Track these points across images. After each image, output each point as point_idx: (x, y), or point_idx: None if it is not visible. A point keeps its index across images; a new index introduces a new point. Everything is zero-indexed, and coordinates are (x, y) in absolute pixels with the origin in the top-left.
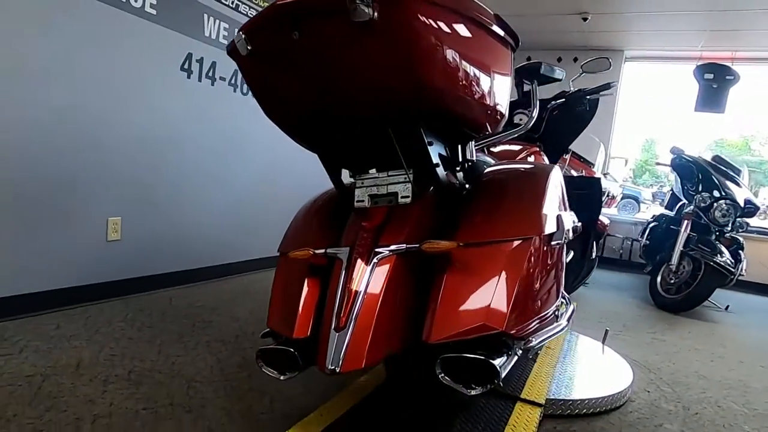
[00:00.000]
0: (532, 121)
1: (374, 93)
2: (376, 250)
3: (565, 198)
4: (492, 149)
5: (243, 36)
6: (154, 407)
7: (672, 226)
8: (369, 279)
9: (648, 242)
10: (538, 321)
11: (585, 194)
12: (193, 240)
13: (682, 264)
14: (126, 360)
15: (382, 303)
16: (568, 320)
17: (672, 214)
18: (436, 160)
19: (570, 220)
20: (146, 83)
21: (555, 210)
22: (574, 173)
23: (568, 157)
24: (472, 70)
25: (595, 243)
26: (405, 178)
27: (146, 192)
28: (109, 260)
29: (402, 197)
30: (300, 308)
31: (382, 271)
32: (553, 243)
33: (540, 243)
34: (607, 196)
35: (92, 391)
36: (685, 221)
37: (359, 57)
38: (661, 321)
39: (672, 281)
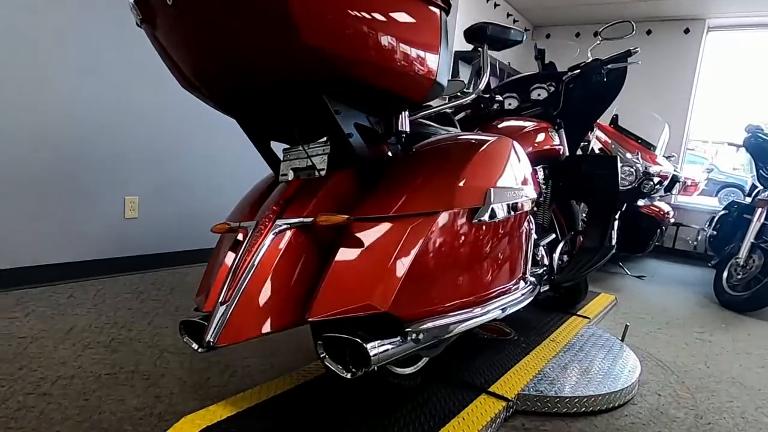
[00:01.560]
0: (479, 90)
1: (259, 58)
2: (277, 223)
3: (521, 172)
4: (497, 125)
5: (132, 4)
6: (117, 373)
7: (745, 215)
8: (263, 252)
9: (715, 233)
10: (454, 305)
11: (599, 175)
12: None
13: (752, 257)
14: (115, 328)
15: (274, 277)
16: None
17: (747, 202)
18: (348, 130)
19: (520, 195)
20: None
21: (484, 183)
22: (629, 156)
23: (592, 134)
24: (377, 31)
25: (614, 229)
26: (323, 150)
27: (164, 173)
28: (127, 237)
29: (319, 170)
30: (212, 282)
31: (278, 245)
32: (478, 219)
33: (452, 219)
34: (678, 182)
35: (68, 355)
36: (759, 209)
37: (234, 19)
38: (718, 320)
39: (739, 277)
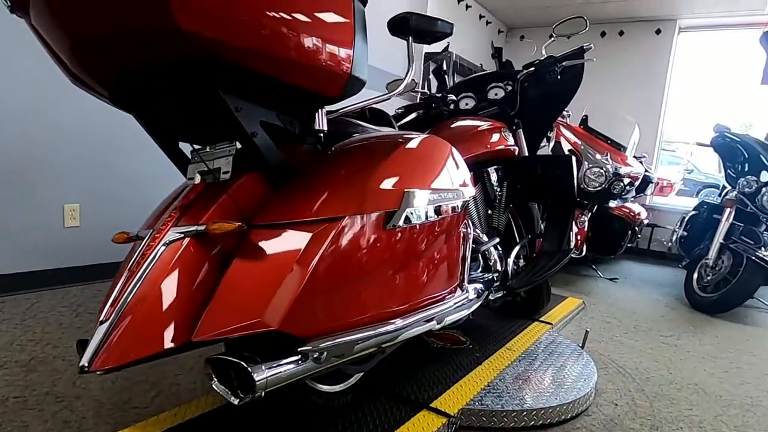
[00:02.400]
0: (404, 84)
1: (133, 43)
2: (170, 232)
3: (450, 173)
4: (447, 125)
5: None
6: (27, 396)
7: (715, 215)
8: (151, 265)
9: (686, 233)
10: (365, 319)
11: (554, 176)
12: None
13: (720, 258)
14: (39, 346)
15: (163, 292)
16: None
17: (716, 202)
18: (252, 129)
19: (448, 197)
20: None
21: (400, 185)
22: (599, 156)
23: (552, 135)
24: (275, 19)
25: (572, 231)
26: (229, 152)
27: (107, 176)
28: (68, 246)
29: (223, 173)
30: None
31: (170, 256)
32: (393, 224)
33: (360, 224)
34: (651, 183)
35: None
36: (727, 209)
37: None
38: (686, 323)
39: (709, 278)
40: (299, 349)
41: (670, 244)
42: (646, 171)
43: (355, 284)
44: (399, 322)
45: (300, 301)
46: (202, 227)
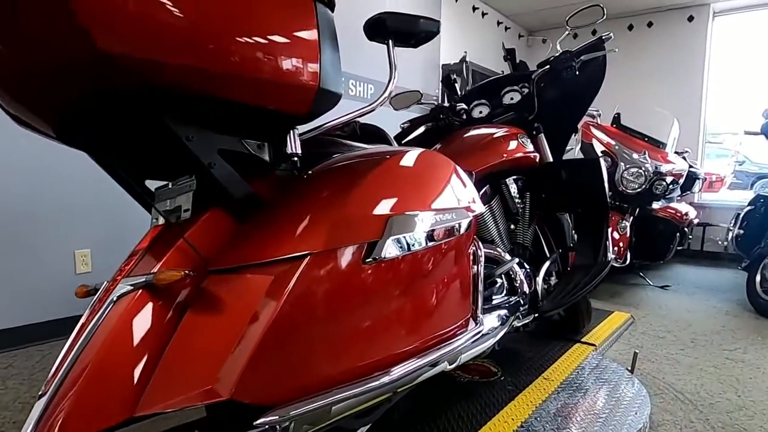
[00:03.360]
0: (385, 95)
1: (57, 71)
2: (120, 284)
3: (448, 190)
4: (457, 137)
5: None
6: None
7: None
8: (97, 325)
9: (742, 231)
10: (347, 374)
11: (582, 182)
12: None
13: None
14: None
15: (106, 359)
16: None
17: None
18: (208, 159)
19: (447, 219)
20: None
21: (382, 211)
22: (636, 156)
23: (577, 137)
24: (214, 32)
25: (608, 241)
26: (189, 186)
27: (116, 220)
28: None
29: (183, 211)
30: None
31: (117, 314)
32: (374, 258)
33: (333, 261)
34: (698, 179)
35: None
36: None
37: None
38: (752, 333)
39: None
40: (255, 422)
41: (725, 243)
42: (690, 167)
43: (328, 333)
44: (395, 372)
45: (256, 362)
46: (151, 277)
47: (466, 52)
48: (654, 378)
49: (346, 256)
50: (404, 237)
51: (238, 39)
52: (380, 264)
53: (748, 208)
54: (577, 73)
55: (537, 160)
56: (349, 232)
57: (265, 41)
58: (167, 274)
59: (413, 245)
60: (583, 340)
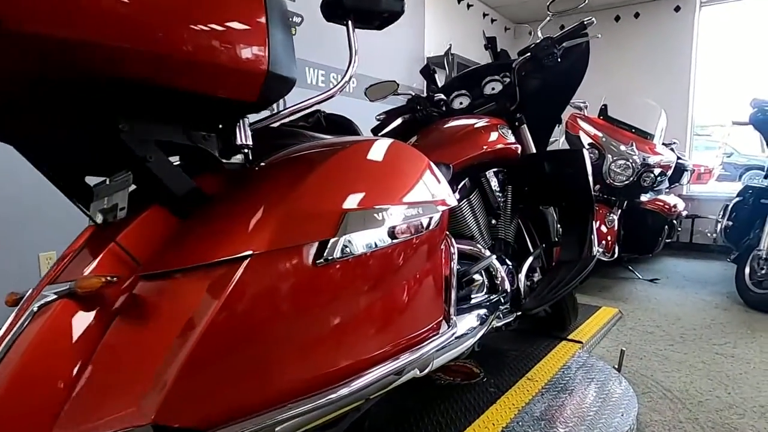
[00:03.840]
0: (343, 81)
1: None
2: (43, 293)
3: (412, 181)
4: (433, 128)
5: None
6: None
7: (763, 200)
8: (12, 339)
9: (731, 222)
10: (294, 389)
11: (566, 173)
12: None
13: None
14: None
15: (20, 378)
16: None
17: (763, 185)
18: (143, 152)
19: (412, 213)
20: None
21: (337, 205)
22: (623, 148)
23: (560, 128)
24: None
25: (593, 235)
26: (125, 183)
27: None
28: None
29: (120, 209)
30: None
31: (37, 326)
32: (325, 258)
33: (275, 263)
34: (686, 171)
35: None
36: None
37: None
38: (742, 326)
39: (763, 271)
40: None
41: (714, 235)
42: (678, 158)
43: (273, 344)
44: (356, 383)
45: (185, 381)
46: (74, 284)
47: (450, 44)
48: (642, 376)
49: (293, 257)
50: (362, 234)
51: (173, 18)
52: (334, 265)
53: (737, 199)
54: (560, 60)
55: (519, 151)
56: (298, 230)
57: (206, 21)
58: (88, 281)
59: (373, 243)
60: (569, 337)
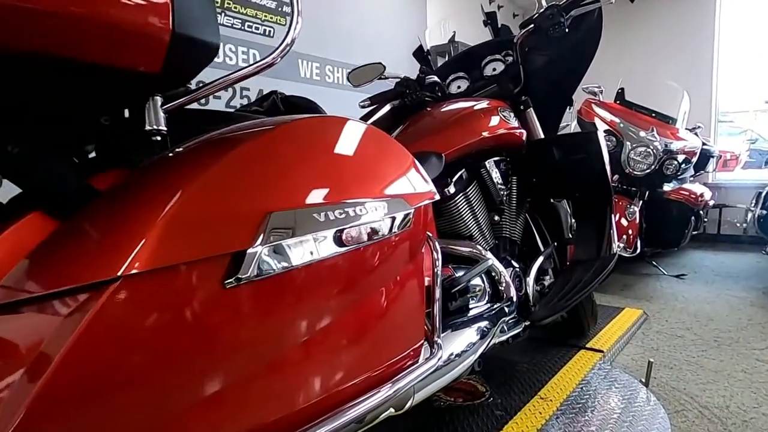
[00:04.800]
0: (280, 48)
1: None
2: None
3: (368, 174)
4: (424, 114)
5: None
6: None
7: None
8: None
9: (765, 212)
10: None
11: (578, 160)
12: None
13: None
14: None
15: None
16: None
17: None
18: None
19: (364, 213)
20: None
21: (257, 205)
22: (643, 134)
23: (571, 110)
24: None
25: (613, 230)
26: None
27: None
28: None
29: None
30: None
31: None
32: (237, 278)
33: (167, 284)
34: (712, 157)
35: None
36: None
37: None
38: None
39: None
40: None
41: (745, 225)
42: (703, 144)
43: (160, 398)
44: None
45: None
46: None
47: (454, 31)
48: (673, 389)
49: (188, 278)
50: (296, 243)
51: None
52: (252, 285)
53: None
54: (567, 31)
55: (524, 138)
56: (196, 240)
57: None
58: None
59: (311, 253)
60: (588, 345)
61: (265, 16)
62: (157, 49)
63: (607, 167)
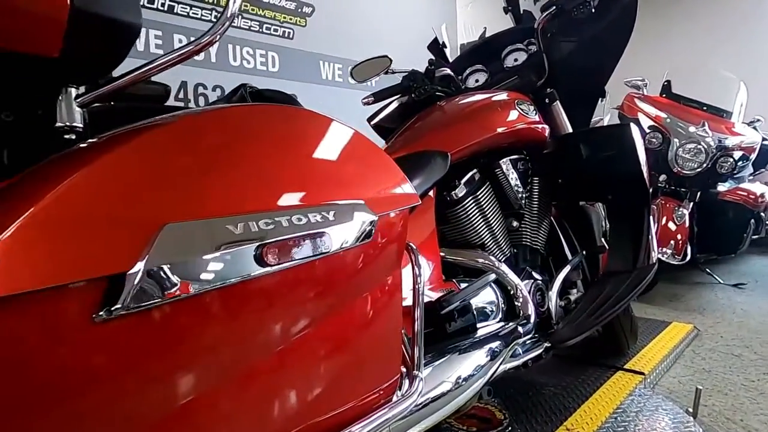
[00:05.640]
0: (228, 16)
1: None
2: None
3: (307, 172)
4: (433, 109)
5: None
6: None
7: None
8: None
9: None
10: None
11: (609, 157)
12: None
13: None
14: None
15: None
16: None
17: None
18: None
19: (301, 222)
20: None
21: (154, 215)
22: (693, 129)
23: (605, 102)
24: None
25: (653, 237)
26: None
27: None
28: None
29: None
30: None
31: None
32: (109, 312)
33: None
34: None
35: None
36: None
37: None
38: None
39: None
40: None
41: None
42: (764, 139)
43: None
44: None
45: None
46: None
47: (485, 27)
48: (728, 420)
49: (44, 310)
50: (197, 261)
51: None
52: (134, 318)
53: None
54: (594, 11)
55: (546, 133)
56: (59, 261)
57: None
58: None
59: (221, 275)
60: (626, 366)
61: (284, 17)
62: (52, 28)
63: (643, 165)
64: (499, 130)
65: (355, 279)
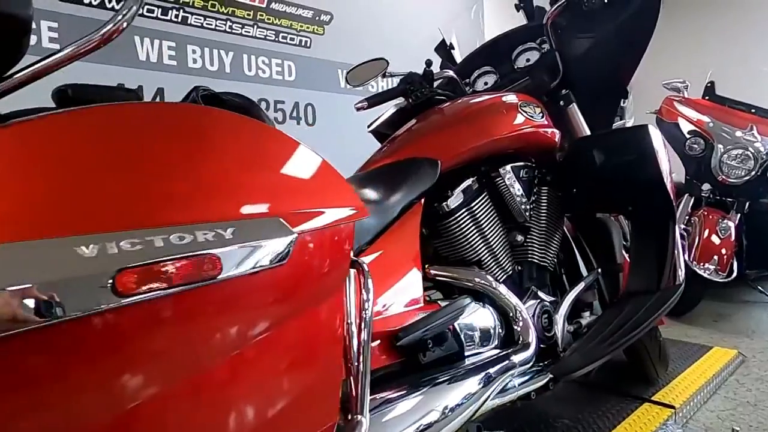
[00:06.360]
0: (112, 23)
1: None
2: None
3: (192, 181)
4: (431, 113)
5: None
6: None
7: None
8: None
9: None
10: None
11: (626, 163)
12: None
13: None
14: None
15: None
16: None
17: None
18: None
19: (185, 243)
20: None
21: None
22: (739, 133)
23: (627, 104)
24: None
25: (679, 254)
26: None
27: None
28: None
29: None
30: None
31: None
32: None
33: None
34: None
35: None
36: None
37: None
38: None
39: None
40: None
41: None
42: None
43: None
44: None
45: None
46: None
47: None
48: None
49: None
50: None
51: None
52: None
53: None
54: (607, 2)
55: (556, 138)
56: None
57: None
58: None
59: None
60: (654, 398)
61: (301, 26)
62: None
63: (665, 171)
64: (498, 134)
65: (265, 310)
